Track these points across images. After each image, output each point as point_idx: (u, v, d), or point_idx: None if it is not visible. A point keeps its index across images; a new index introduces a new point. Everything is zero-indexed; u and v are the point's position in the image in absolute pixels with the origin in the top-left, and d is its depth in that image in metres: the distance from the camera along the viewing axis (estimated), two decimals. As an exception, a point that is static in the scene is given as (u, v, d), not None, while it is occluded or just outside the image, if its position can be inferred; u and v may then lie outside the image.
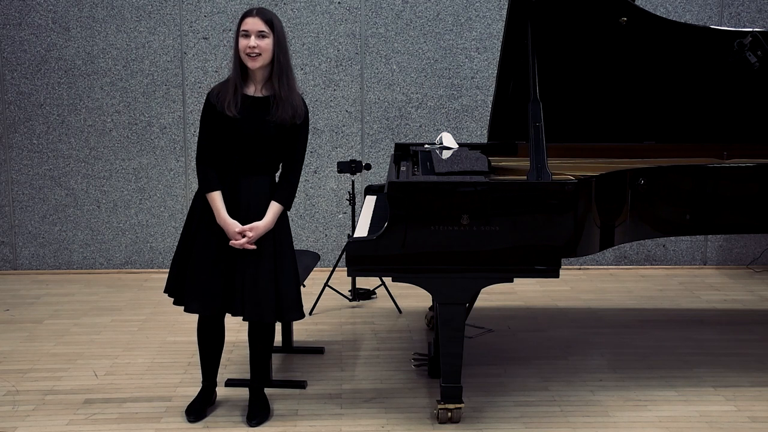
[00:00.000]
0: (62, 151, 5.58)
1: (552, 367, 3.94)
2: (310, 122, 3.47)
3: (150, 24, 5.48)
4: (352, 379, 3.82)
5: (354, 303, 5.00)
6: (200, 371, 3.52)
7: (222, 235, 3.23)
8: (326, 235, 5.72)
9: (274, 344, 3.49)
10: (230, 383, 3.72)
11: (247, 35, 3.18)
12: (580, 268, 5.77)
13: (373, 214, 3.77)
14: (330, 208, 5.70)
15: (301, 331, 4.46)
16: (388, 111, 5.62)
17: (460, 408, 3.33)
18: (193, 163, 5.18)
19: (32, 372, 3.91)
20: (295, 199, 3.66)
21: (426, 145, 4.37)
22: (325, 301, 4.94)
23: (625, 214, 3.51)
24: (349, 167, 4.72)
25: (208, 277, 3.23)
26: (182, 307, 3.31)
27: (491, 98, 4.32)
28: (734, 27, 5.35)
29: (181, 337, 4.37)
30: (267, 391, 3.51)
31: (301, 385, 3.72)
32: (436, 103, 5.61)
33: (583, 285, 5.41)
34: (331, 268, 5.09)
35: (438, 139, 4.35)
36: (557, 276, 3.23)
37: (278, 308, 3.27)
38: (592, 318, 4.72)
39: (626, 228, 3.53)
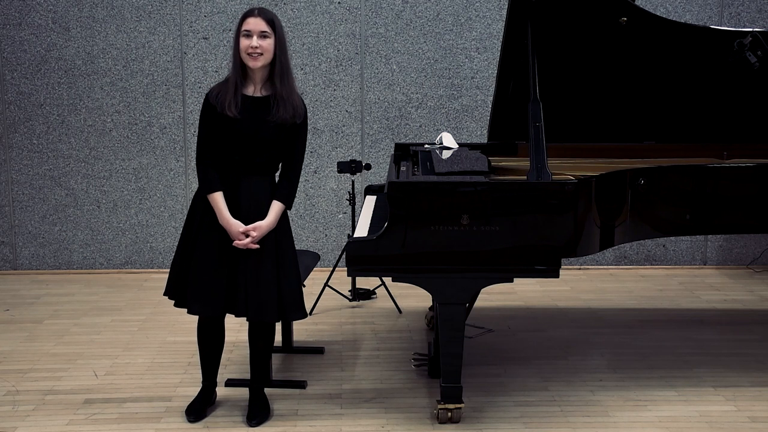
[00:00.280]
0: (62, 151, 5.58)
1: (552, 367, 3.94)
2: (309, 122, 3.47)
3: (150, 24, 5.48)
4: (352, 379, 3.82)
5: (354, 303, 5.00)
6: (200, 371, 3.52)
7: (223, 235, 3.23)
8: (326, 235, 5.72)
9: (274, 344, 3.49)
10: (230, 383, 3.72)
11: (249, 35, 3.17)
12: (580, 268, 5.77)
13: (373, 214, 3.77)
14: (330, 208, 5.70)
15: (301, 331, 4.46)
16: (388, 111, 5.62)
17: (460, 408, 3.33)
18: (194, 163, 5.18)
19: (32, 372, 3.91)
20: (295, 199, 3.66)
21: (426, 145, 4.37)
22: (325, 301, 4.94)
23: (625, 214, 3.51)
24: (349, 167, 4.72)
25: (210, 279, 3.23)
26: (184, 309, 3.31)
27: (491, 98, 4.32)
28: (734, 27, 5.35)
29: (181, 337, 4.37)
30: (267, 391, 3.51)
31: (301, 385, 3.72)
32: (436, 103, 5.61)
33: (583, 285, 5.41)
34: (331, 268, 5.09)
35: (438, 139, 4.35)
36: (557, 276, 3.23)
37: (281, 308, 3.27)
38: (592, 318, 4.72)
39: (626, 228, 3.53)
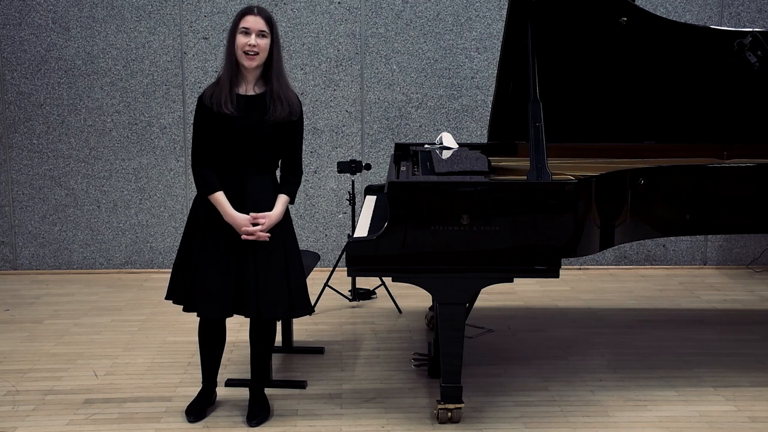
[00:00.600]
0: (62, 151, 5.58)
1: (552, 367, 3.94)
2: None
3: (150, 24, 5.48)
4: (352, 379, 3.82)
5: (354, 303, 5.00)
6: (200, 371, 3.52)
7: (230, 237, 3.22)
8: (326, 235, 5.72)
9: (275, 344, 3.49)
10: (230, 383, 3.72)
11: (247, 33, 3.16)
12: (580, 268, 5.77)
13: (373, 214, 3.77)
14: (330, 208, 5.70)
15: (301, 331, 4.46)
16: (388, 111, 5.62)
17: (460, 408, 3.33)
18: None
19: (32, 372, 3.91)
20: (296, 199, 3.66)
21: (426, 145, 4.37)
22: (325, 301, 4.94)
23: (625, 214, 3.51)
24: (349, 167, 4.72)
25: (219, 280, 3.21)
26: (183, 308, 3.31)
27: (491, 98, 4.32)
28: (734, 27, 5.35)
29: (181, 337, 4.37)
30: (267, 391, 3.51)
31: (301, 385, 3.72)
32: (436, 103, 5.61)
33: (583, 285, 5.41)
34: (331, 268, 5.09)
35: (438, 139, 4.35)
36: (557, 276, 3.23)
37: (290, 305, 3.29)
38: (592, 318, 4.72)
39: (626, 228, 3.53)
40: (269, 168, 3.31)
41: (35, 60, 5.48)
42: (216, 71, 5.50)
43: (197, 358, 3.64)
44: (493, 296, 5.04)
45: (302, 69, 5.54)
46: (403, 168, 4.07)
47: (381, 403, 3.55)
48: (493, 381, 3.78)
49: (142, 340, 4.35)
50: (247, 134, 3.19)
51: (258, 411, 3.38)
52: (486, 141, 4.47)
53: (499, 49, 4.04)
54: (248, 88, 3.24)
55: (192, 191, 5.26)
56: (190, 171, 5.57)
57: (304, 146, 3.98)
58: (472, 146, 4.35)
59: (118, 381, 3.80)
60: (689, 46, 3.95)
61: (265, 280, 3.22)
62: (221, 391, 3.63)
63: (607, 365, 3.98)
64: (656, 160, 4.13)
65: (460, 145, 4.33)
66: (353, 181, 4.98)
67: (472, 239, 3.18)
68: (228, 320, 3.44)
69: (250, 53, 3.16)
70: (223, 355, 3.53)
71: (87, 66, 5.49)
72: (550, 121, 3.64)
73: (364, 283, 5.11)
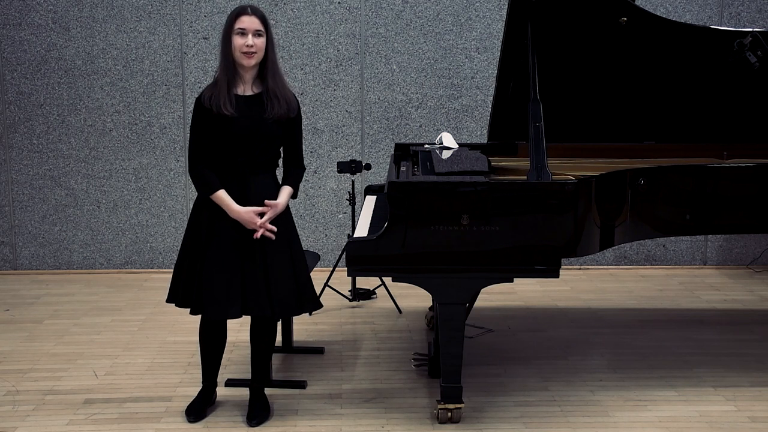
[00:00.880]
0: (62, 151, 5.58)
1: (552, 367, 3.94)
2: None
3: (150, 24, 5.48)
4: (352, 379, 3.82)
5: (354, 303, 5.00)
6: (200, 371, 3.52)
7: (234, 237, 3.22)
8: (326, 235, 5.72)
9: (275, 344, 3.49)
10: (230, 383, 3.72)
11: (244, 33, 3.16)
12: (580, 268, 5.77)
13: (373, 214, 3.77)
14: (330, 208, 5.70)
15: (301, 331, 4.46)
16: (388, 111, 5.62)
17: (460, 408, 3.33)
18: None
19: (32, 372, 3.91)
20: (296, 199, 3.66)
21: (426, 145, 4.37)
22: (325, 301, 4.93)
23: (625, 214, 3.51)
24: (349, 167, 4.72)
25: (226, 282, 3.20)
26: (185, 309, 3.30)
27: (491, 98, 4.32)
28: (734, 27, 5.35)
29: (181, 337, 4.37)
30: (267, 391, 3.51)
31: (301, 385, 3.72)
32: (436, 103, 5.61)
33: (583, 285, 5.41)
34: (331, 268, 5.09)
35: (438, 139, 4.35)
36: (557, 276, 3.23)
37: (299, 301, 3.31)
38: (592, 318, 4.72)
39: (626, 228, 3.53)
40: (270, 167, 3.32)
41: (35, 60, 5.48)
42: (216, 71, 5.49)
43: (197, 358, 3.64)
44: (493, 296, 5.04)
45: (302, 69, 5.54)
46: (403, 168, 4.07)
47: (381, 403, 3.55)
48: (493, 381, 3.78)
49: (142, 340, 4.35)
50: (249, 134, 3.19)
51: (258, 411, 3.38)
52: (486, 141, 4.47)
53: (499, 49, 4.04)
54: (246, 89, 3.24)
55: (192, 191, 5.26)
56: (190, 171, 5.57)
57: (304, 146, 3.99)
58: (472, 146, 4.35)
59: (118, 381, 3.80)
60: (689, 46, 3.95)
61: (276, 279, 3.22)
62: (221, 391, 3.63)
63: (607, 365, 3.98)
64: (656, 160, 4.13)
65: (460, 145, 4.33)
66: (353, 181, 4.98)
67: (472, 239, 3.17)
68: (228, 320, 3.43)
69: (248, 53, 3.16)
70: (223, 355, 3.53)
71: (87, 66, 5.49)
72: (550, 121, 3.64)
73: (364, 283, 5.11)
